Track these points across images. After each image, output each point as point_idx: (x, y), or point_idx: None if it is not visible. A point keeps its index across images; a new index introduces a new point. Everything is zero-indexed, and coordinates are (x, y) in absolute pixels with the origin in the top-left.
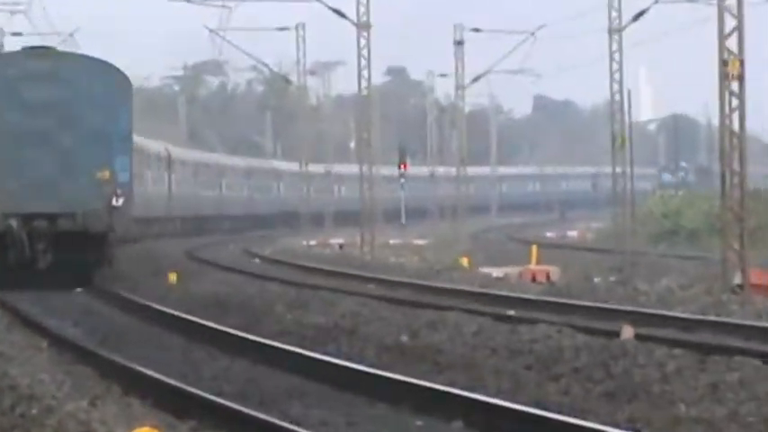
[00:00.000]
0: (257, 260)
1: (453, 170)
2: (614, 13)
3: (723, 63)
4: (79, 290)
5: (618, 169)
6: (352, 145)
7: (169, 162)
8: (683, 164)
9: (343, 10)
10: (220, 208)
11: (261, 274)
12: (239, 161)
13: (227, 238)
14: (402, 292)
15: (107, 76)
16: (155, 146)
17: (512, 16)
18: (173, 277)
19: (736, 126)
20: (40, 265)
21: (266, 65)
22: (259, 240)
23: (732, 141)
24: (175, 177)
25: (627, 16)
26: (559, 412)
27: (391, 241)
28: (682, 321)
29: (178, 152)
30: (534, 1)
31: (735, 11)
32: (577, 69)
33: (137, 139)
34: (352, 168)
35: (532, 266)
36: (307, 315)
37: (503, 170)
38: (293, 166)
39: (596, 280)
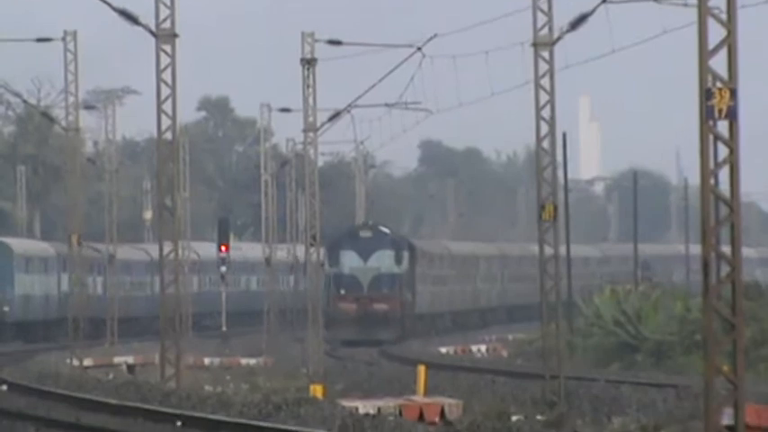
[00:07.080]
0: (4, 387)
1: (301, 251)
2: (542, 17)
3: (705, 93)
4: None
5: (550, 249)
6: (148, 216)
7: None
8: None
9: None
10: None
11: (7, 410)
12: None
13: None
14: None
15: None
16: None
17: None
18: None
19: (725, 187)
20: None
21: (18, 94)
22: (4, 357)
23: (719, 210)
24: None
25: (561, 22)
26: None
27: (207, 360)
28: None
29: None
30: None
31: (724, 15)
32: (486, 103)
33: None
34: (145, 252)
35: (419, 398)
36: None
37: None
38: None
39: (516, 419)
